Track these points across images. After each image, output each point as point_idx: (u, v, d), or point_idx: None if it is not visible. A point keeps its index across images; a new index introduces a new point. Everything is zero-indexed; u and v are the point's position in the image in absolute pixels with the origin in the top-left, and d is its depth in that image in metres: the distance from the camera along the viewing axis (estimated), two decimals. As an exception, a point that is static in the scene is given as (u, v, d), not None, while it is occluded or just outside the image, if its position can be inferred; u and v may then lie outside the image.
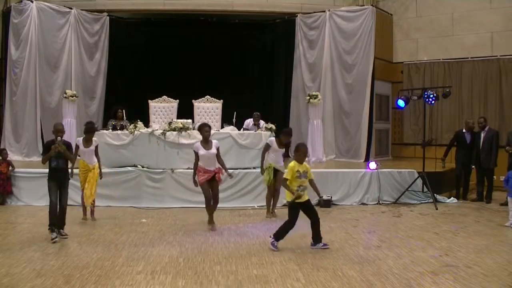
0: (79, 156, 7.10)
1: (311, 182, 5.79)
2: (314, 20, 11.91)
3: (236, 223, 7.10)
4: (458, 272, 4.79)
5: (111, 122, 9.70)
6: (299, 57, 12.15)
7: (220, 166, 6.72)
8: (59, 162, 6.07)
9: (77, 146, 7.02)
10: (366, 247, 5.78)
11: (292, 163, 5.62)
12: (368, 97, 11.17)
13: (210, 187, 6.58)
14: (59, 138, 6.02)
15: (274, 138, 7.59)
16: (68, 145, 6.18)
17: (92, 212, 7.26)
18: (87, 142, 7.08)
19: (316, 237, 5.66)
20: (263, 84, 13.18)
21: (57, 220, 6.09)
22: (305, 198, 5.60)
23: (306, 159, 5.88)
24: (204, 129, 6.61)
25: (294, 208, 5.58)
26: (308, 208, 5.65)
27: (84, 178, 7.07)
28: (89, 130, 7.10)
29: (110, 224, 6.97)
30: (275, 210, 7.67)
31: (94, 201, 7.20)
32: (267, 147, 7.44)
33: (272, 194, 7.57)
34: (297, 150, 5.69)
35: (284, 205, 8.34)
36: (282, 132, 7.55)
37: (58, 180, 6.09)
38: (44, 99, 11.05)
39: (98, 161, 7.22)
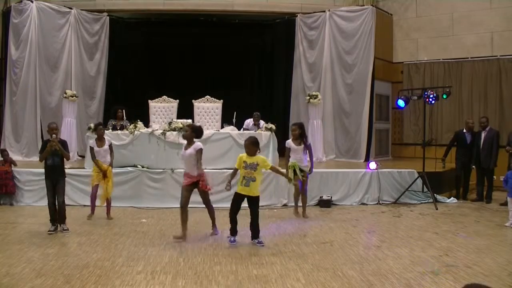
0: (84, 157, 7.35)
1: (272, 169, 6.16)
2: (314, 20, 11.90)
3: (236, 223, 7.09)
4: (458, 272, 4.78)
5: (111, 122, 9.71)
6: (299, 57, 12.14)
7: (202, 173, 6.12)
8: (54, 160, 6.29)
9: (91, 148, 7.30)
10: (366, 247, 5.79)
11: (242, 154, 5.96)
12: (368, 97, 11.17)
13: (201, 197, 6.29)
14: (54, 136, 6.23)
15: (290, 139, 7.56)
16: (63, 143, 6.40)
17: (108, 211, 7.36)
18: (100, 141, 7.32)
19: (254, 234, 5.87)
20: (263, 84, 13.17)
21: (57, 217, 6.33)
22: (254, 193, 5.78)
23: (259, 152, 6.03)
24: (185, 129, 6.37)
25: (236, 196, 5.83)
26: (252, 205, 5.83)
27: (97, 177, 7.20)
28: (94, 129, 7.49)
29: (110, 224, 6.98)
30: (306, 211, 7.59)
31: (110, 201, 7.37)
32: (288, 151, 7.48)
33: (298, 192, 7.55)
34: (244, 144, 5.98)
35: (284, 204, 8.42)
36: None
37: (53, 177, 6.31)
38: (44, 99, 11.03)
39: (111, 158, 7.38)
